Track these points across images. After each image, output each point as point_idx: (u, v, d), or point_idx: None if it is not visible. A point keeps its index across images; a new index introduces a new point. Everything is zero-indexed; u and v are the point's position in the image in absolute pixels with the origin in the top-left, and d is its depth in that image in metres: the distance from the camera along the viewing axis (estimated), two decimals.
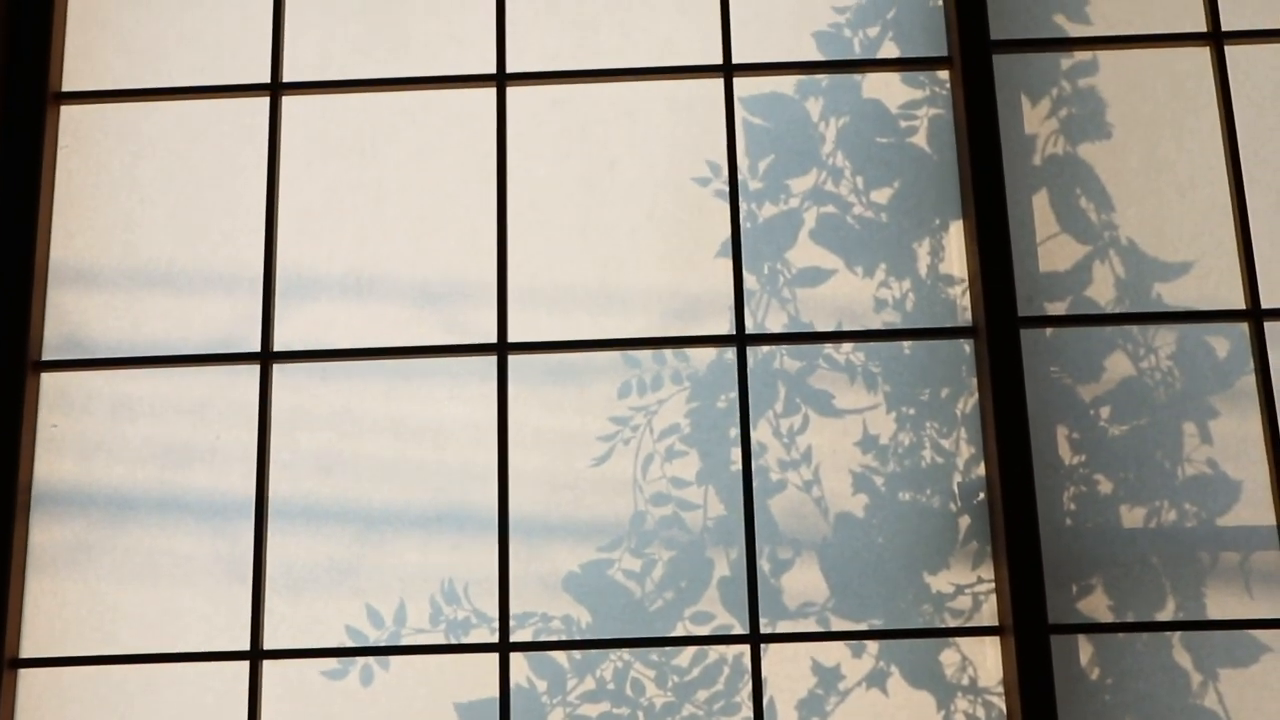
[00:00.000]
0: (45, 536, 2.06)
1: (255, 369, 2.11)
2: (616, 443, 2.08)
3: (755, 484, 2.06)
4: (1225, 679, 1.97)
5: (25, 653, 2.02)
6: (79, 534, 2.06)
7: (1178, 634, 1.99)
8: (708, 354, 2.12)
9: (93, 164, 2.20)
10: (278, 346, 2.12)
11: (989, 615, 2.01)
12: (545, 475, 2.07)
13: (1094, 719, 1.96)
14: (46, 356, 2.12)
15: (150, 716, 2.00)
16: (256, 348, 2.12)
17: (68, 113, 2.22)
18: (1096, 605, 2.00)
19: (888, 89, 2.24)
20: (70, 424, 2.10)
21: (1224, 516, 2.03)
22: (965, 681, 2.00)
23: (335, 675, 2.01)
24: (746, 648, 2.01)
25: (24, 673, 2.01)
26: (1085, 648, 1.99)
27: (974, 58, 2.16)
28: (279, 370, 2.11)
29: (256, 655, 2.00)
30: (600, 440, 2.08)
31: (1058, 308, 2.12)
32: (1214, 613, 1.99)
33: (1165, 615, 1.99)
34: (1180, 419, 2.07)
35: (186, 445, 2.09)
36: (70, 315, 2.14)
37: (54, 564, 2.05)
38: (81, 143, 2.21)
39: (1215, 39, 2.21)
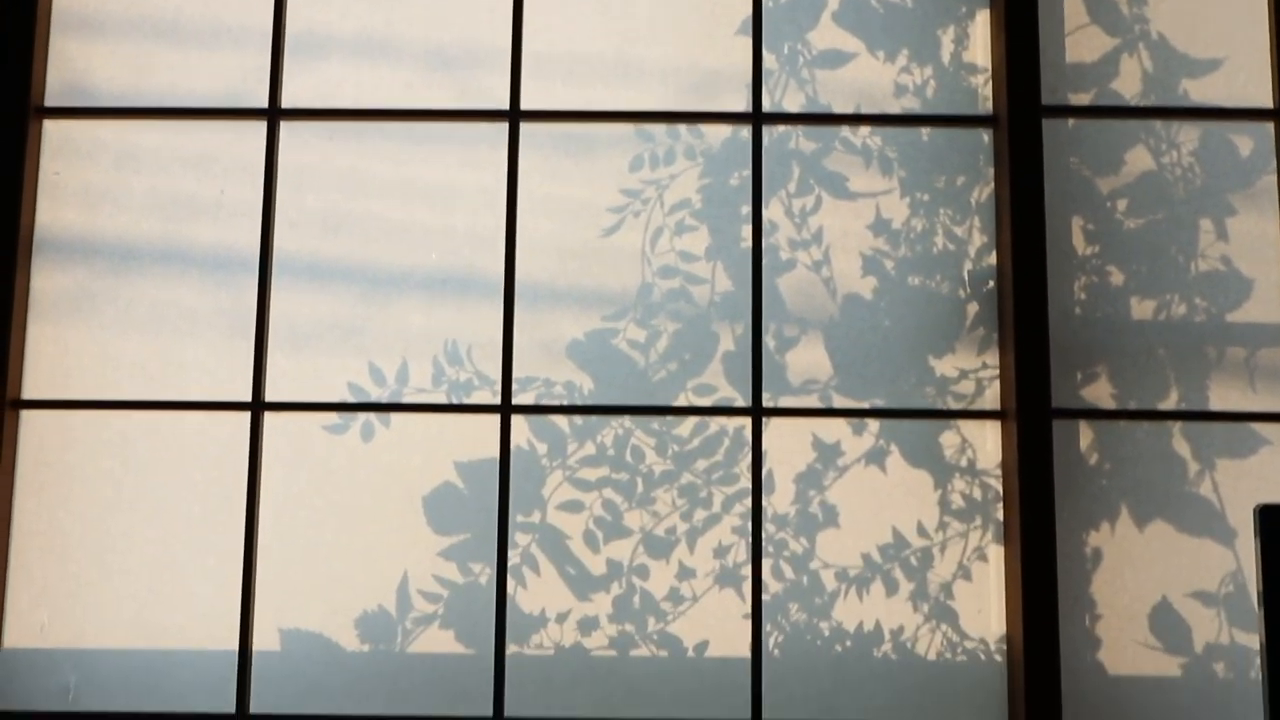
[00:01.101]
0: (48, 283, 2.04)
1: (262, 125, 2.07)
2: (626, 214, 2.06)
3: (764, 261, 2.04)
4: (1222, 469, 1.98)
5: (27, 395, 2.02)
6: (81, 282, 2.04)
7: (1179, 424, 1.99)
8: (722, 131, 2.08)
9: None
10: (286, 104, 2.08)
11: (991, 400, 2.01)
12: (553, 243, 2.05)
13: (1089, 502, 1.98)
14: (49, 103, 2.08)
15: (151, 463, 2.01)
16: (264, 104, 2.08)
17: None
18: (1100, 393, 2.00)
19: None
20: (74, 173, 2.07)
21: (1234, 312, 2.02)
22: (964, 463, 2.01)
23: (336, 430, 2.02)
24: (748, 420, 2.01)
25: (26, 414, 2.01)
26: (1086, 434, 1.99)
27: None
28: (286, 128, 2.08)
29: (258, 407, 2.01)
30: (610, 211, 2.06)
31: (1082, 99, 2.08)
32: (1216, 405, 1.99)
33: (1168, 405, 1.99)
34: (1197, 215, 2.04)
35: (192, 199, 2.06)
36: (74, 62, 2.09)
37: (56, 310, 2.04)
38: None
39: None
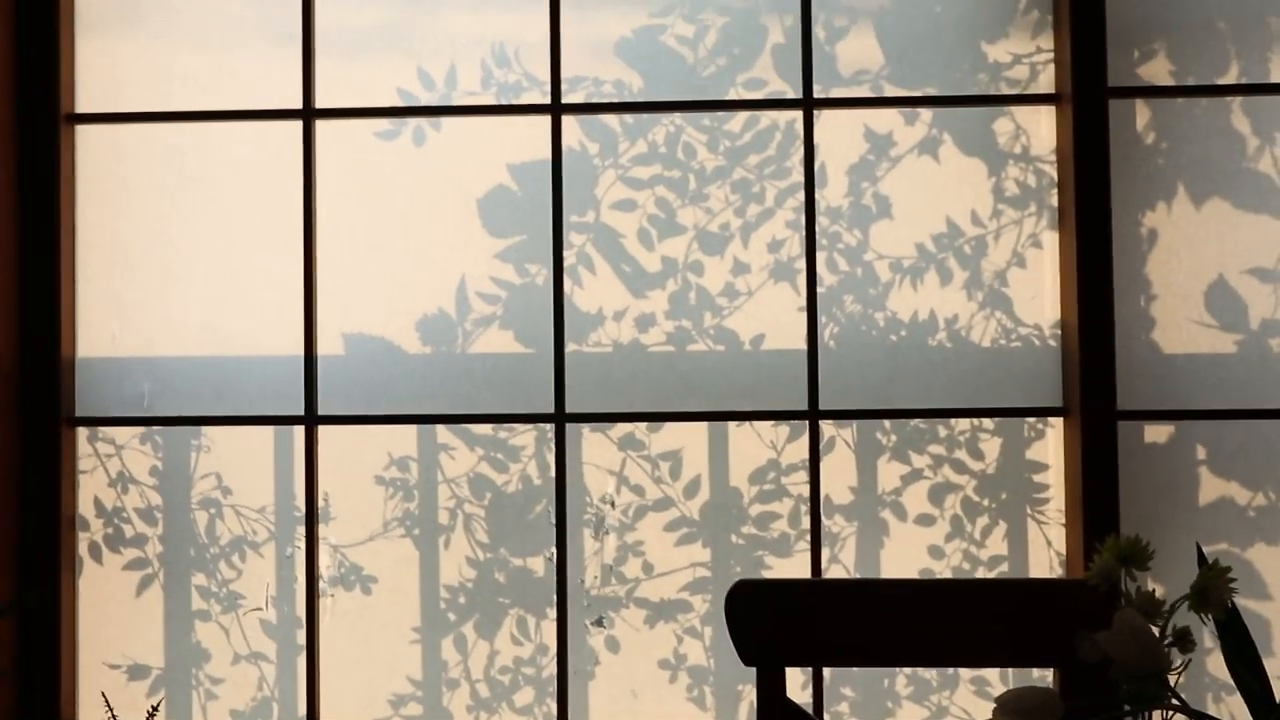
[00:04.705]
0: None
1: None
2: None
3: None
4: None
5: (81, 109, 2.03)
6: None
7: (1238, 99, 1.96)
8: None
9: None
10: None
11: (1045, 85, 1.98)
12: None
13: (1145, 182, 1.96)
14: None
15: (207, 174, 2.03)
16: None
17: None
18: (1157, 70, 1.97)
19: None
20: None
21: None
22: (1018, 150, 1.99)
23: (388, 136, 2.02)
24: (799, 113, 1.99)
25: (81, 128, 2.03)
26: (1143, 112, 1.96)
27: None
28: None
29: (309, 114, 2.01)
30: None
31: None
32: (1277, 78, 1.95)
33: (1228, 80, 1.96)
34: None
35: None
36: None
37: (103, 23, 2.03)
38: None
39: None
